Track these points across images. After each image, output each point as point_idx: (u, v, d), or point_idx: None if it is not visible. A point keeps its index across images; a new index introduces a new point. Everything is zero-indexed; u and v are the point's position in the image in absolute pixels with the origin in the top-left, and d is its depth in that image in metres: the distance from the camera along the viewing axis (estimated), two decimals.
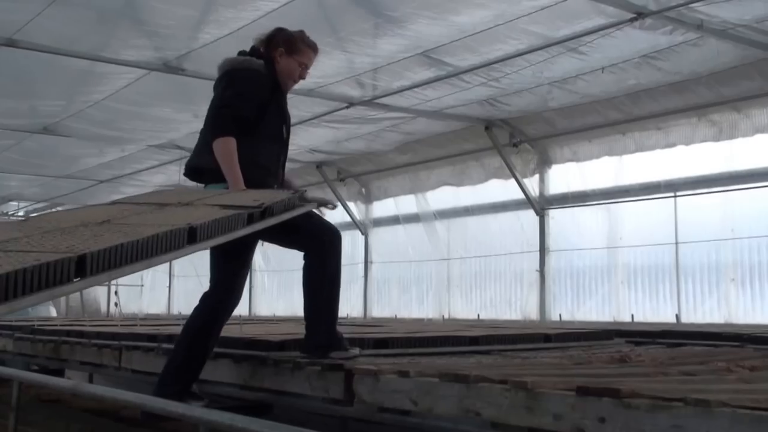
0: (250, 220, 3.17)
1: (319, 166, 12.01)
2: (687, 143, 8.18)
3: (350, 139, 10.42)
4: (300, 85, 7.98)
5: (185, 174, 4.04)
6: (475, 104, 8.76)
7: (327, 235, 3.79)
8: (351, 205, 12.35)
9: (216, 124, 3.75)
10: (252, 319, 10.19)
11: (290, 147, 10.25)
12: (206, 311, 3.71)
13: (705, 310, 7.92)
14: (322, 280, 3.73)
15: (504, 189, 10.08)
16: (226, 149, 3.67)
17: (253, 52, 4.02)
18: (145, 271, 18.06)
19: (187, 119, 9.09)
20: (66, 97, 8.45)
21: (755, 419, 2.06)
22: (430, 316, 10.66)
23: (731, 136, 7.80)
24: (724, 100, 7.69)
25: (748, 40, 6.63)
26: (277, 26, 4.19)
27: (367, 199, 12.32)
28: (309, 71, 4.23)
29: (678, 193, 8.38)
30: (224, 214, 3.04)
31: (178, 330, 5.36)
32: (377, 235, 12.25)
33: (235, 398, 4.06)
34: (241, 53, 4.03)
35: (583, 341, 5.18)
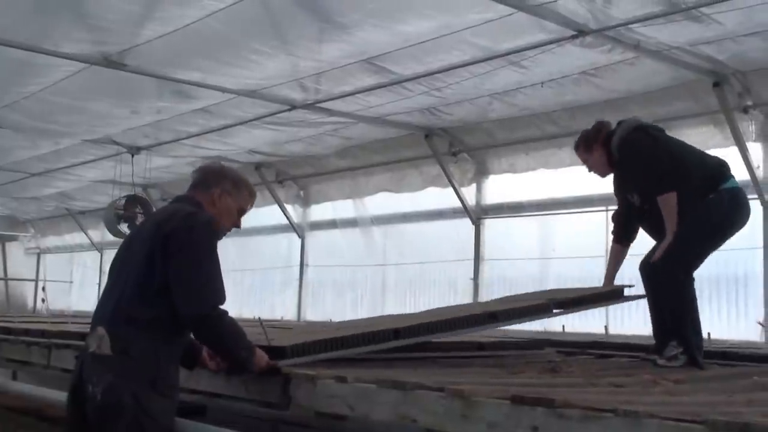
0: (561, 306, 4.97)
1: (257, 167, 11.91)
2: None
3: (290, 141, 10.37)
4: (242, 85, 7.96)
5: None
6: (417, 112, 8.82)
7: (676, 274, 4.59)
8: (288, 207, 12.30)
9: None
10: None
11: (229, 147, 10.33)
12: None
13: (632, 323, 8.11)
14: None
15: (441, 197, 10.16)
16: None
17: None
18: (74, 267, 17.64)
19: (125, 115, 8.86)
20: (0, 87, 8.21)
21: (681, 430, 2.17)
22: None
23: None
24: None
25: (681, 61, 6.86)
26: None
27: (305, 202, 12.28)
28: None
29: (610, 207, 8.54)
30: (529, 304, 4.81)
31: None
32: (314, 238, 12.22)
33: None
34: None
35: (515, 350, 5.29)
